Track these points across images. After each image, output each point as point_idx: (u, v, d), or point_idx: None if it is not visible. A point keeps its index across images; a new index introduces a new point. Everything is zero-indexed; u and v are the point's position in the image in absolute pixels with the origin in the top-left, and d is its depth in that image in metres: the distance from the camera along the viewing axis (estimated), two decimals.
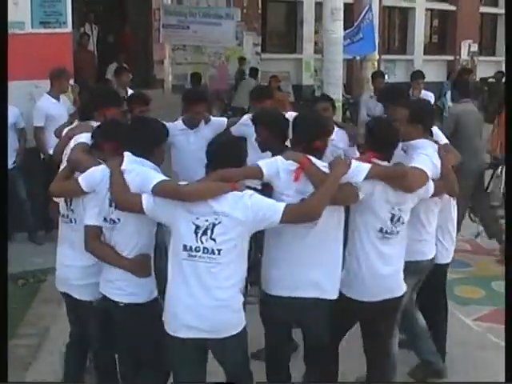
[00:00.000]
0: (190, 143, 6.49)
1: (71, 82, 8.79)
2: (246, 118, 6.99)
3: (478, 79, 23.06)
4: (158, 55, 17.47)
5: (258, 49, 19.14)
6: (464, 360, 5.73)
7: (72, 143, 4.80)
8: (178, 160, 6.48)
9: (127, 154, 4.27)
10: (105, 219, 4.27)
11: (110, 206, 4.23)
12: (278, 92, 16.37)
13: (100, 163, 4.40)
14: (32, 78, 8.52)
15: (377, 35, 14.36)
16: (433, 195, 4.75)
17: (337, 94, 10.00)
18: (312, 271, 4.30)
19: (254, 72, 17.05)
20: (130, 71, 10.76)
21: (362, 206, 4.40)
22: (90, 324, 4.59)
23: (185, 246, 3.99)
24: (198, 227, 3.97)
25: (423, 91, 10.68)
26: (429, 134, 5.04)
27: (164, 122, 4.61)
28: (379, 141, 4.54)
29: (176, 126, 6.50)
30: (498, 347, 5.69)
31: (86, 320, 4.62)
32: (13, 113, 7.98)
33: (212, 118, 6.78)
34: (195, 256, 3.98)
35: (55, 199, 4.71)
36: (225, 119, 7.01)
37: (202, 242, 3.97)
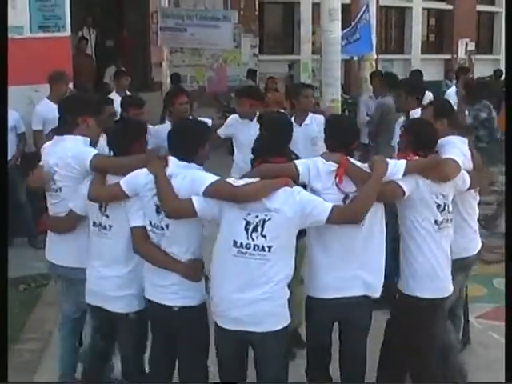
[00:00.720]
0: None
1: (70, 85, 8.80)
2: (231, 119, 7.16)
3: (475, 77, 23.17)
4: (155, 58, 17.48)
5: (256, 50, 19.15)
6: (466, 357, 5.73)
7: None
8: None
9: (171, 159, 4.22)
10: (152, 225, 4.22)
11: (158, 212, 4.17)
12: (275, 93, 16.42)
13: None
14: (31, 83, 8.53)
15: (374, 35, 14.38)
16: (469, 187, 4.82)
17: (335, 94, 10.01)
18: (359, 270, 4.33)
19: (251, 74, 17.06)
20: (128, 74, 10.78)
21: (410, 202, 4.46)
22: (126, 337, 4.54)
23: (235, 242, 4.02)
24: (248, 223, 4.00)
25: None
26: (454, 128, 5.15)
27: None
28: (421, 141, 4.62)
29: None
30: (500, 345, 5.68)
31: (121, 333, 4.56)
32: (13, 116, 8.00)
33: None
34: (245, 253, 4.00)
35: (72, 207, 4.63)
36: (209, 120, 7.13)
37: (252, 239, 3.99)
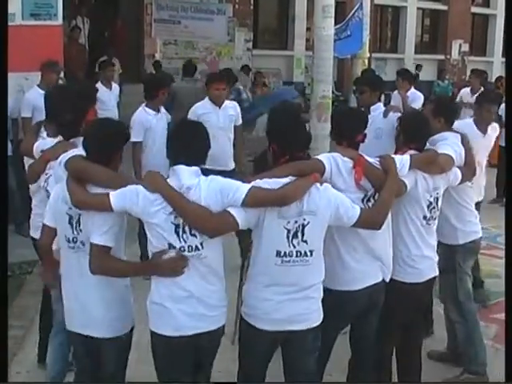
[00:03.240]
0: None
1: (62, 75, 8.79)
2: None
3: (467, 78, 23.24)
4: (149, 50, 17.48)
5: (250, 45, 19.15)
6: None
7: (56, 166, 4.30)
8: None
9: (181, 167, 3.77)
10: (179, 248, 3.74)
11: (177, 232, 3.72)
12: (262, 88, 16.44)
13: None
14: (22, 70, 8.49)
15: (367, 33, 14.38)
16: (460, 182, 4.97)
17: (327, 91, 10.00)
18: (378, 259, 4.43)
19: (246, 69, 17.05)
20: (114, 65, 10.77)
21: (407, 197, 4.54)
22: (117, 361, 4.09)
23: (278, 252, 3.88)
24: (289, 231, 3.87)
25: (412, 90, 10.67)
26: (450, 128, 5.26)
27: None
28: (415, 133, 4.74)
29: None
30: (489, 345, 5.77)
31: (111, 359, 4.06)
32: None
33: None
34: (289, 261, 3.89)
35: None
36: None
37: (294, 246, 3.89)
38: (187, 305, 3.79)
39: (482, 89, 11.39)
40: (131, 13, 17.81)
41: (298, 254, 3.90)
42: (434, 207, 4.72)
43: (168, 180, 3.76)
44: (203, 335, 3.84)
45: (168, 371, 3.93)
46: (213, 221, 3.71)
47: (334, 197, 3.98)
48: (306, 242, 3.90)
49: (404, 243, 4.67)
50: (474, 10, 24.98)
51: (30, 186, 5.00)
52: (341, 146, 4.43)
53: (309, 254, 3.92)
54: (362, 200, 4.28)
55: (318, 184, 3.95)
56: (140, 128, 7.30)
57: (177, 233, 3.71)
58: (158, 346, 3.88)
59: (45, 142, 4.84)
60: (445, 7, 24.00)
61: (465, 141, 5.17)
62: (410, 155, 4.54)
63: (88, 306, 3.94)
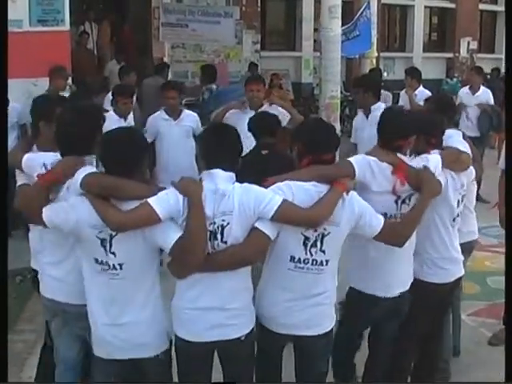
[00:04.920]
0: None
1: (69, 81, 8.83)
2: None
3: None
4: (157, 53, 17.47)
5: (258, 47, 19.14)
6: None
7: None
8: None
9: (218, 172, 3.68)
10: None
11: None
12: (279, 90, 16.45)
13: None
14: (30, 76, 8.57)
15: (375, 32, 14.40)
16: (474, 179, 5.04)
17: (335, 91, 10.05)
18: (409, 264, 4.48)
19: (253, 68, 16.98)
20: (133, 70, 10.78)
21: (438, 198, 4.45)
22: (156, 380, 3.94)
23: (292, 258, 3.84)
24: (307, 238, 3.82)
25: (420, 88, 10.67)
26: (452, 126, 5.32)
27: None
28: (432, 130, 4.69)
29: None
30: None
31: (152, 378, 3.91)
32: (15, 110, 8.03)
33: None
34: (303, 268, 3.85)
35: None
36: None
37: (311, 254, 3.83)
38: (208, 311, 3.74)
39: (483, 88, 11.29)
40: (139, 17, 17.83)
41: (314, 262, 3.86)
42: (458, 205, 4.72)
43: (203, 185, 3.66)
44: (222, 343, 3.80)
45: (187, 377, 3.91)
46: (250, 250, 3.69)
47: (359, 206, 3.91)
48: (323, 251, 3.85)
49: (434, 246, 4.65)
50: (482, 7, 24.87)
51: None
52: (382, 148, 4.31)
53: (324, 263, 3.88)
54: (396, 202, 4.24)
55: (345, 193, 3.86)
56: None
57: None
58: (179, 349, 3.86)
59: (43, 155, 4.25)
60: (452, 5, 23.91)
61: (466, 138, 5.19)
62: (440, 153, 4.51)
63: (125, 328, 3.75)
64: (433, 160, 4.41)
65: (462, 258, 4.85)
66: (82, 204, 3.62)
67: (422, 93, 10.23)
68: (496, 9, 25.19)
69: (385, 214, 4.13)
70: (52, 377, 4.54)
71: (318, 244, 3.83)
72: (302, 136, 4.05)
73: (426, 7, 23.65)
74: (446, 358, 5.40)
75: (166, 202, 3.57)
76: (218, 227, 3.65)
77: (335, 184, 3.85)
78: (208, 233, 3.62)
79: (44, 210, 3.73)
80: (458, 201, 4.69)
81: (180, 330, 3.82)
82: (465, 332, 6.02)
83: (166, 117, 7.44)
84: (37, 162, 4.19)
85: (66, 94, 8.64)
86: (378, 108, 6.63)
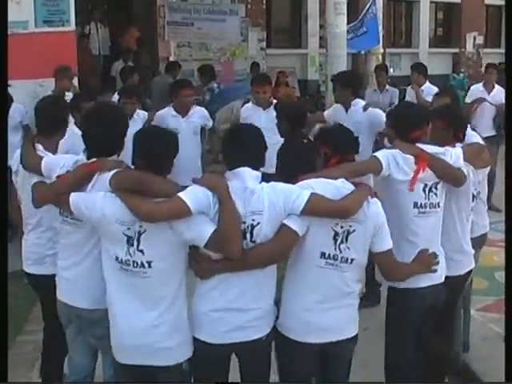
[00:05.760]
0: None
1: (75, 82, 8.83)
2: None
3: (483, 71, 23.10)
4: (163, 52, 17.48)
5: (263, 44, 19.11)
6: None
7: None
8: None
9: (246, 170, 3.70)
10: None
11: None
12: (285, 87, 16.43)
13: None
14: (36, 77, 8.58)
15: (381, 28, 14.38)
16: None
17: None
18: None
19: (255, 67, 16.90)
20: (135, 69, 10.80)
21: (458, 193, 4.57)
22: None
23: (323, 254, 3.81)
24: (336, 234, 3.80)
25: (427, 84, 10.64)
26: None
27: None
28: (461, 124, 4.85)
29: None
30: (500, 337, 5.72)
31: None
32: (19, 110, 8.05)
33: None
34: (333, 264, 3.82)
35: None
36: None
37: (340, 251, 3.82)
38: (229, 312, 3.72)
39: (497, 87, 11.16)
40: (144, 16, 17.84)
41: (343, 259, 3.83)
42: (475, 199, 4.87)
43: (230, 185, 3.65)
44: (242, 344, 3.77)
45: (204, 379, 3.88)
46: (279, 247, 3.71)
47: (382, 216, 3.94)
48: (349, 248, 3.83)
49: (449, 239, 4.66)
50: (488, 1, 24.76)
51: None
52: (402, 141, 4.41)
53: (350, 261, 3.85)
54: (424, 190, 4.35)
55: (369, 196, 3.91)
56: None
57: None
58: (197, 351, 3.81)
59: (62, 158, 4.31)
60: (458, 0, 23.87)
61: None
62: (462, 147, 4.61)
63: (146, 333, 3.68)
64: (455, 152, 4.51)
65: (472, 251, 4.89)
66: (113, 199, 3.65)
67: (429, 88, 10.21)
68: (502, 3, 25.03)
69: (415, 204, 4.34)
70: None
71: (345, 241, 3.82)
72: (329, 138, 4.15)
73: (431, 2, 23.61)
74: (457, 351, 5.46)
75: (195, 196, 3.57)
76: (247, 227, 3.66)
77: (360, 185, 3.93)
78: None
79: (72, 194, 3.77)
80: (474, 195, 4.79)
81: (199, 332, 3.77)
82: (473, 327, 6.02)
83: (175, 113, 7.46)
84: (57, 164, 4.19)
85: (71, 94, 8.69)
86: (357, 103, 7.03)
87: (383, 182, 4.36)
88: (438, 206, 4.44)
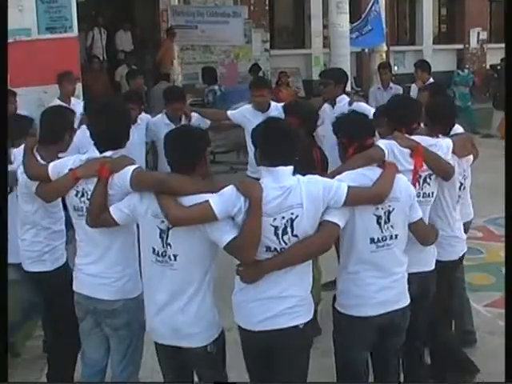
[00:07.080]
0: None
1: (79, 85, 8.87)
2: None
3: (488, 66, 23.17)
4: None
5: (267, 45, 19.15)
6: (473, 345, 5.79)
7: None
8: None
9: (280, 168, 3.76)
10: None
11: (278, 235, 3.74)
12: (287, 87, 16.44)
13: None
14: (40, 84, 8.61)
15: (384, 26, 14.39)
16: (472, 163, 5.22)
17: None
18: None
19: (255, 69, 16.81)
20: (139, 73, 10.83)
21: (449, 182, 4.74)
22: (206, 372, 4.03)
23: (372, 239, 4.03)
24: (379, 217, 4.02)
25: (431, 81, 10.62)
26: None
27: None
28: (445, 117, 4.95)
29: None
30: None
31: (199, 369, 4.07)
32: None
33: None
34: (383, 245, 4.05)
35: None
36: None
37: (386, 231, 4.04)
38: (269, 300, 3.79)
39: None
40: (147, 20, 17.91)
41: (390, 237, 4.06)
42: (462, 188, 4.97)
43: (263, 181, 3.76)
44: (279, 332, 3.81)
45: (252, 365, 4.05)
46: (324, 240, 3.84)
47: (412, 190, 4.19)
48: (392, 226, 4.05)
49: (440, 226, 4.77)
50: None
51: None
52: (399, 133, 4.53)
53: (394, 237, 4.07)
54: (418, 181, 4.49)
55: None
56: None
57: (276, 235, 3.73)
58: (242, 339, 3.98)
59: (67, 160, 4.32)
60: None
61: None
62: (451, 139, 4.76)
63: (173, 321, 3.86)
64: (446, 144, 4.68)
65: (464, 236, 5.07)
66: (149, 194, 3.83)
67: None
68: None
69: None
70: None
71: (387, 220, 4.03)
72: (345, 128, 4.26)
73: None
74: (470, 329, 5.74)
75: (225, 201, 3.68)
76: (287, 221, 3.72)
77: (386, 165, 4.15)
78: (273, 228, 3.70)
79: (110, 209, 3.96)
80: (461, 183, 4.92)
81: (239, 319, 3.92)
82: (481, 323, 6.02)
83: (168, 121, 7.42)
84: (65, 165, 4.26)
85: (75, 99, 8.71)
86: (343, 99, 7.12)
87: None
88: (432, 196, 4.63)
